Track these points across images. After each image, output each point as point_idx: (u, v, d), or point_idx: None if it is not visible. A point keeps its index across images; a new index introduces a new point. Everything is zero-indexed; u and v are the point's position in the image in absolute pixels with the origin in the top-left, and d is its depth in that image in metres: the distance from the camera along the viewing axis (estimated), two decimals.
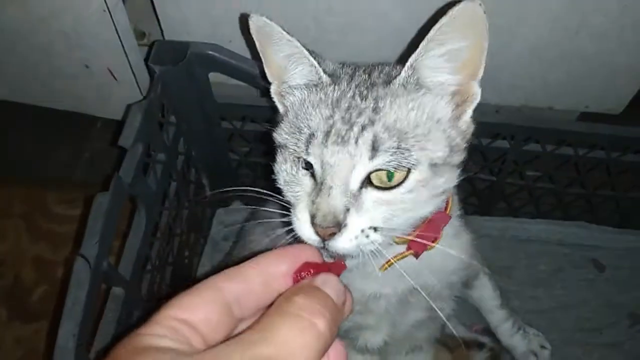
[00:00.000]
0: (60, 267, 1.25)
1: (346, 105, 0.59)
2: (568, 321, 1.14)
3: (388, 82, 0.61)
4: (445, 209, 0.71)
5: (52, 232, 1.30)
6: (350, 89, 0.61)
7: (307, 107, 0.62)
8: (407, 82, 0.60)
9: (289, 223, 0.61)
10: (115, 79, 1.11)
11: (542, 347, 1.08)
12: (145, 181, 0.84)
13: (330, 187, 0.57)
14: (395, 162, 0.56)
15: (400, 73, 0.61)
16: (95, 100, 1.20)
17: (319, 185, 0.58)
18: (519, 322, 1.07)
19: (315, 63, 0.63)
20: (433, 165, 0.58)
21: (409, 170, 0.57)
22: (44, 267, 1.26)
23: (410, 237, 0.66)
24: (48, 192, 1.35)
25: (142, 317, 0.86)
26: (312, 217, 0.57)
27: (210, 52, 0.86)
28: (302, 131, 0.60)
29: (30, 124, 1.42)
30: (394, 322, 0.83)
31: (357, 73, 0.65)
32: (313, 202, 0.57)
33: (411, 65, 0.60)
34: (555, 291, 1.17)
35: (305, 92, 0.64)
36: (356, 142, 0.57)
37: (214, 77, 0.93)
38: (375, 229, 0.58)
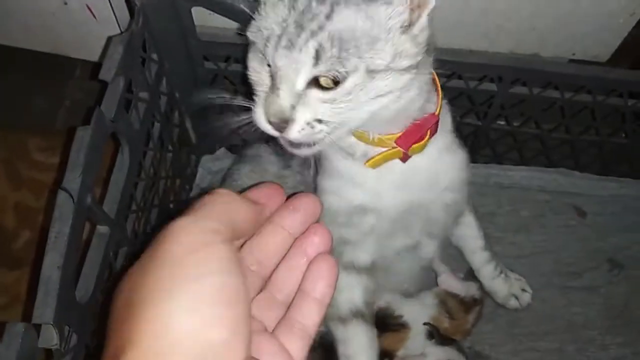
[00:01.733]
0: (42, 214, 1.24)
1: (302, 7, 0.60)
2: (548, 266, 1.16)
3: None
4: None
5: (33, 180, 1.28)
6: None
7: (268, 5, 0.64)
8: None
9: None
10: (95, 17, 1.07)
11: (523, 290, 1.10)
12: (128, 118, 0.82)
13: (279, 88, 0.62)
14: (333, 71, 0.60)
15: None
16: (74, 40, 1.17)
17: (272, 85, 0.63)
18: (501, 265, 1.08)
19: None
20: (371, 72, 0.61)
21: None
22: (26, 214, 1.24)
23: (389, 136, 0.71)
24: (28, 139, 1.32)
25: (128, 258, 0.86)
26: (266, 114, 0.63)
27: None
28: (263, 31, 0.63)
29: (5, 68, 1.38)
30: (380, 243, 0.83)
31: None
32: (266, 101, 0.63)
33: None
34: (536, 237, 1.19)
35: None
36: (300, 50, 0.59)
37: (198, 18, 0.91)
38: (321, 121, 0.63)
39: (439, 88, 0.75)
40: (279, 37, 0.60)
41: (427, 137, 0.73)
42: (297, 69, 0.61)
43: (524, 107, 1.09)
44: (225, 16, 0.87)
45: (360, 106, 0.65)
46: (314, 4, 0.60)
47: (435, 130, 0.74)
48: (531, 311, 1.10)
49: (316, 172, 0.80)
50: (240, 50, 0.96)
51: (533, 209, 1.21)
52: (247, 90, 1.08)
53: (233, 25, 0.90)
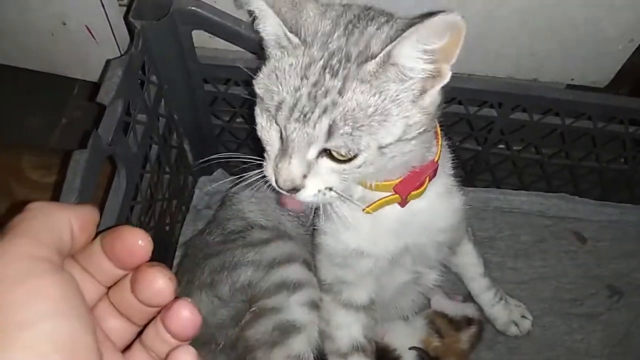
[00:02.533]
0: None
1: (315, 78, 0.60)
2: (548, 292, 1.15)
3: (363, 62, 0.59)
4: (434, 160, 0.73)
5: (27, 200, 1.26)
6: (322, 57, 0.60)
7: (279, 69, 0.62)
8: (378, 69, 0.59)
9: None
10: (94, 38, 1.07)
11: (523, 317, 1.09)
12: (126, 141, 0.81)
13: (290, 156, 0.62)
14: (345, 148, 0.61)
15: (375, 55, 0.59)
16: (72, 60, 1.16)
17: (283, 149, 0.63)
18: (500, 292, 1.07)
19: (279, 22, 0.62)
20: (381, 148, 0.62)
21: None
22: None
23: (388, 183, 0.72)
24: (23, 158, 1.31)
25: None
26: (275, 180, 0.64)
27: (193, 8, 0.83)
28: (273, 95, 0.63)
29: (3, 87, 1.37)
30: (378, 282, 0.82)
31: (335, 32, 0.62)
32: (277, 166, 0.64)
33: (387, 54, 0.58)
34: (535, 262, 1.18)
35: (278, 53, 0.64)
36: (314, 125, 0.59)
37: (198, 40, 0.90)
38: (331, 189, 0.65)
39: (439, 135, 0.75)
40: (292, 107, 0.60)
41: (426, 183, 0.74)
42: (310, 141, 0.61)
43: (524, 133, 1.08)
44: (226, 40, 0.87)
45: (369, 175, 0.68)
46: (327, 76, 0.59)
47: (434, 175, 0.75)
48: (531, 338, 1.09)
49: (314, 213, 0.79)
50: (240, 72, 0.95)
51: (533, 234, 1.20)
52: (248, 113, 1.08)
53: (234, 48, 0.90)
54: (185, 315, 0.38)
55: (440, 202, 0.78)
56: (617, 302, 1.14)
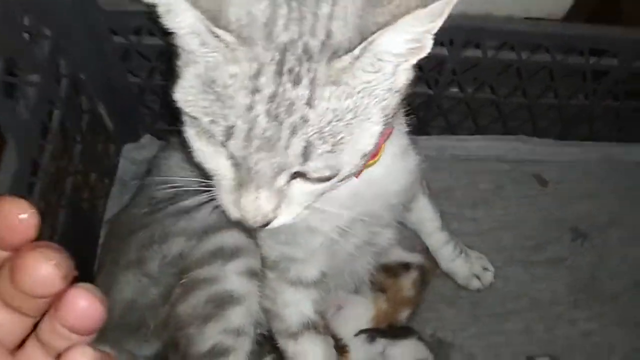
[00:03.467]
0: None
1: (270, 90, 0.45)
2: (509, 240, 1.09)
3: (331, 58, 0.45)
4: None
5: None
6: (272, 57, 0.45)
7: (215, 82, 0.46)
8: (354, 65, 0.46)
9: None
10: None
11: (485, 269, 1.03)
12: (12, 106, 0.68)
13: (257, 189, 0.49)
14: (327, 169, 0.48)
15: (349, 48, 0.45)
16: None
17: (241, 179, 0.49)
18: (460, 245, 1.00)
19: (198, 14, 0.44)
20: (365, 155, 0.51)
21: None
22: None
23: None
24: None
25: None
26: (240, 213, 0.51)
27: None
28: (215, 117, 0.47)
29: None
30: (330, 249, 0.74)
31: (279, 17, 0.46)
32: (238, 200, 0.50)
33: (368, 44, 0.45)
34: (496, 210, 1.11)
35: (207, 58, 0.47)
36: (284, 151, 0.46)
37: None
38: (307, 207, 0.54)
39: None
40: (248, 134, 0.46)
41: (382, 148, 0.63)
42: (280, 169, 0.48)
43: (478, 72, 0.99)
44: None
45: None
46: (286, 85, 0.44)
47: (389, 135, 0.64)
48: (494, 291, 1.03)
49: None
50: (154, 21, 0.82)
51: (492, 181, 1.12)
52: (168, 68, 0.95)
53: None
54: (82, 306, 0.31)
55: (395, 165, 0.68)
56: (581, 245, 1.09)
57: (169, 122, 1.05)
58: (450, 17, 0.93)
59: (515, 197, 1.12)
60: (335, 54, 0.45)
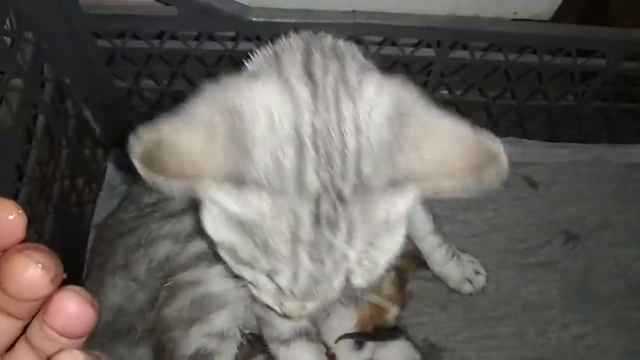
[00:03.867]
0: None
1: (311, 238, 0.44)
2: (501, 243, 1.08)
3: (366, 200, 0.44)
4: None
5: None
6: (309, 209, 0.44)
7: (252, 229, 0.45)
8: (388, 204, 0.45)
9: None
10: None
11: (477, 272, 1.02)
12: None
13: (304, 303, 0.50)
14: (368, 282, 0.49)
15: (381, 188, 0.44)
16: None
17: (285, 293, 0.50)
18: (452, 248, 0.99)
19: (226, 188, 0.43)
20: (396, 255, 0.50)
21: None
22: None
23: None
24: None
25: None
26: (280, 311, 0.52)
27: None
28: (256, 256, 0.46)
29: None
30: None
31: (306, 158, 0.44)
32: (280, 302, 0.51)
33: (399, 190, 0.45)
34: (487, 213, 1.10)
35: (240, 212, 0.44)
36: (329, 282, 0.47)
37: None
38: None
39: None
40: (293, 274, 0.46)
41: None
42: (325, 296, 0.49)
43: (466, 74, 0.99)
44: None
45: None
46: (325, 232, 0.44)
47: None
48: (486, 294, 1.02)
49: None
50: (138, 22, 0.82)
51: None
52: (155, 70, 0.94)
53: None
54: (72, 310, 0.31)
55: None
56: (573, 248, 1.08)
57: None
58: (437, 18, 0.94)
59: (507, 199, 1.11)
60: (369, 196, 0.44)
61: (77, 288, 0.31)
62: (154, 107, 1.00)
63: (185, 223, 0.75)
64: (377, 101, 0.45)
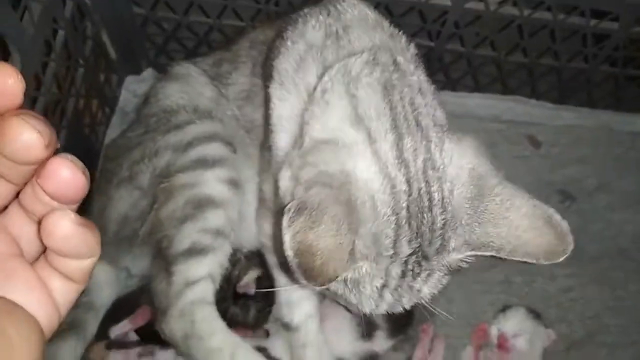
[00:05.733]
0: None
1: (395, 284, 0.55)
2: None
3: (443, 256, 0.54)
4: None
5: None
6: (399, 269, 0.54)
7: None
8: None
9: None
10: None
11: None
12: (16, 19, 0.69)
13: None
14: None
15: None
16: None
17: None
18: None
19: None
20: None
21: None
22: None
23: None
24: None
25: None
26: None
27: None
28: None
29: None
30: None
31: (404, 235, 0.53)
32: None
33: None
34: None
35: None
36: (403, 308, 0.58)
37: None
38: None
39: None
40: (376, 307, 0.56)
41: None
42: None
43: (480, 26, 1.00)
44: None
45: None
46: (408, 279, 0.54)
47: None
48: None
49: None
50: None
51: (486, 139, 1.13)
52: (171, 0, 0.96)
53: None
54: (65, 176, 0.31)
55: None
56: (568, 207, 1.11)
57: (171, 56, 1.07)
58: None
59: (508, 156, 1.13)
60: (446, 253, 0.53)
61: (71, 156, 0.32)
62: (169, 39, 1.02)
63: (187, 133, 0.79)
64: (459, 178, 0.54)
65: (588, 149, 1.16)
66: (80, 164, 0.31)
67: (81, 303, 0.85)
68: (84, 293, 0.83)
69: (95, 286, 0.86)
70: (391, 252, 0.52)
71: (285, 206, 0.49)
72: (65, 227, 0.31)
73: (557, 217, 0.54)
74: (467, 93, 1.15)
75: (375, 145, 0.53)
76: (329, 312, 0.87)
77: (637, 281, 1.06)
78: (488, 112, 1.15)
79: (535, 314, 0.97)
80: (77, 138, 0.91)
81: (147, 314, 0.86)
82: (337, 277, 0.49)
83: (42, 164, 0.31)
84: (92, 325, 0.85)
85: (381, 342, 0.91)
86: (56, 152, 0.31)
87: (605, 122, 1.17)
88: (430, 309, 0.58)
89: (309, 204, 0.48)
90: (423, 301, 0.57)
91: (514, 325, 0.95)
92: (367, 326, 0.89)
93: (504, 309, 0.98)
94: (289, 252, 0.47)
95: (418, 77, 0.62)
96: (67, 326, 0.82)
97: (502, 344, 0.93)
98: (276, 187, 0.60)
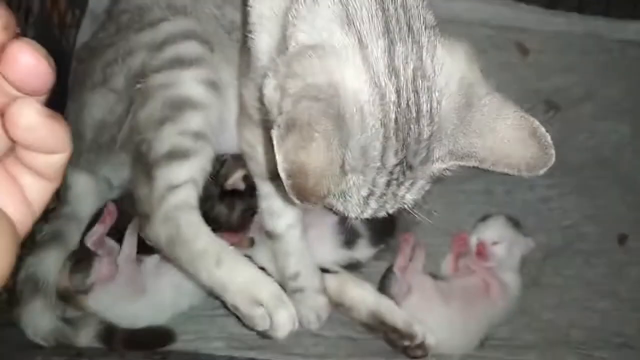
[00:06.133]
0: None
1: (380, 192, 0.54)
2: None
3: (427, 167, 0.53)
4: None
5: None
6: (385, 178, 0.53)
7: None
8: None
9: None
10: None
11: None
12: None
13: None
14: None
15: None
16: None
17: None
18: None
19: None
20: None
21: None
22: None
23: None
24: None
25: None
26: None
27: None
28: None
29: None
30: None
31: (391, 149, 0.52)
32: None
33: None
34: None
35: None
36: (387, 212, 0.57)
37: None
38: None
39: None
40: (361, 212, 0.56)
41: None
42: None
43: None
44: None
45: None
46: (393, 187, 0.53)
47: None
48: None
49: None
50: None
51: (474, 45, 1.10)
52: None
53: None
54: (26, 62, 0.29)
55: None
56: (552, 117, 1.10)
57: None
58: None
59: (496, 63, 1.11)
60: (430, 163, 0.53)
61: (31, 41, 0.30)
62: None
63: (161, 30, 0.75)
64: (447, 87, 0.52)
65: (576, 57, 1.14)
66: (43, 50, 0.29)
67: (62, 214, 0.84)
68: (65, 204, 0.85)
69: (76, 196, 0.85)
70: (378, 164, 0.51)
71: (273, 121, 0.47)
72: (29, 117, 0.30)
73: (542, 129, 0.52)
74: None
75: (366, 51, 0.50)
76: (311, 221, 0.87)
77: (616, 190, 1.08)
78: (476, 16, 1.11)
79: (515, 222, 0.99)
80: (47, 39, 0.86)
81: (113, 212, 0.86)
82: (329, 194, 0.49)
83: (1, 49, 0.29)
84: (74, 236, 0.84)
85: (363, 250, 0.93)
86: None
87: (594, 29, 1.15)
88: (413, 214, 0.58)
89: (298, 120, 0.46)
90: (406, 206, 0.57)
91: (493, 234, 0.97)
92: (349, 235, 0.91)
93: (484, 218, 1.00)
94: (283, 174, 0.46)
95: None
96: (49, 237, 0.82)
97: (481, 252, 0.95)
98: (261, 95, 0.57)
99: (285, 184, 0.46)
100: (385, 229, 0.95)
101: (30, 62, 0.29)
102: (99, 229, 0.85)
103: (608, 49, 1.15)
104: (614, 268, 1.02)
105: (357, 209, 0.55)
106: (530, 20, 1.12)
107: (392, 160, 0.52)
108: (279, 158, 0.45)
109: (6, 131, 0.30)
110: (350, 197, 0.54)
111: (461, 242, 0.98)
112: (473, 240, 0.97)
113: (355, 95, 0.49)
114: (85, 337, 0.80)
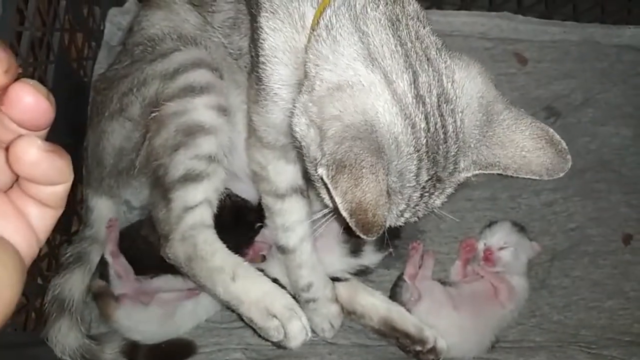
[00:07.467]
0: None
1: (414, 204, 0.59)
2: None
3: (455, 178, 0.60)
4: None
5: None
6: (419, 193, 0.59)
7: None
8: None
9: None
10: None
11: None
12: None
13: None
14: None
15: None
16: None
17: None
18: None
19: None
20: None
21: None
22: None
23: None
24: None
25: None
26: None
27: None
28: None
29: None
30: None
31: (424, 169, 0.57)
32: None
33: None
34: None
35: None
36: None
37: None
38: None
39: None
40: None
41: None
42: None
43: None
44: None
45: None
46: (425, 198, 0.58)
47: None
48: None
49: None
50: None
51: (473, 57, 1.14)
52: None
53: None
54: (28, 102, 0.31)
55: None
56: (553, 123, 1.13)
57: None
58: None
59: (495, 74, 1.12)
60: (457, 173, 0.59)
61: (32, 81, 0.31)
62: None
63: (173, 60, 0.79)
64: (469, 107, 0.58)
65: (574, 64, 1.16)
66: (44, 89, 0.31)
67: (85, 236, 0.89)
68: (87, 227, 0.89)
69: (98, 219, 0.89)
70: (414, 183, 0.57)
71: (318, 160, 0.53)
72: (32, 153, 0.31)
73: (557, 137, 0.58)
74: (453, 11, 1.15)
75: (393, 85, 0.55)
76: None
77: (618, 192, 1.10)
78: (475, 29, 1.15)
79: (520, 227, 1.01)
80: (66, 73, 0.91)
81: (114, 232, 0.89)
82: (385, 221, 0.53)
83: (3, 90, 0.31)
84: (96, 257, 0.89)
85: (370, 256, 0.95)
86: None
87: (591, 36, 1.17)
88: (439, 214, 0.64)
89: (345, 160, 0.51)
90: (434, 210, 0.63)
91: (500, 239, 0.99)
92: (355, 243, 0.94)
93: (490, 224, 1.02)
94: (345, 214, 0.51)
95: (413, 4, 0.61)
96: (73, 259, 0.86)
97: (488, 257, 0.97)
98: (292, 131, 0.61)
99: (349, 223, 0.52)
100: (389, 231, 0.98)
101: (31, 102, 0.31)
102: (109, 243, 0.88)
103: (605, 54, 1.17)
104: (620, 268, 1.04)
105: (393, 220, 0.60)
106: (527, 31, 1.15)
107: (424, 177, 0.57)
108: (337, 200, 0.51)
109: (10, 166, 0.32)
110: (389, 212, 0.58)
111: (469, 248, 1.01)
112: (480, 246, 1.00)
113: (390, 128, 0.55)
114: (110, 353, 0.83)
